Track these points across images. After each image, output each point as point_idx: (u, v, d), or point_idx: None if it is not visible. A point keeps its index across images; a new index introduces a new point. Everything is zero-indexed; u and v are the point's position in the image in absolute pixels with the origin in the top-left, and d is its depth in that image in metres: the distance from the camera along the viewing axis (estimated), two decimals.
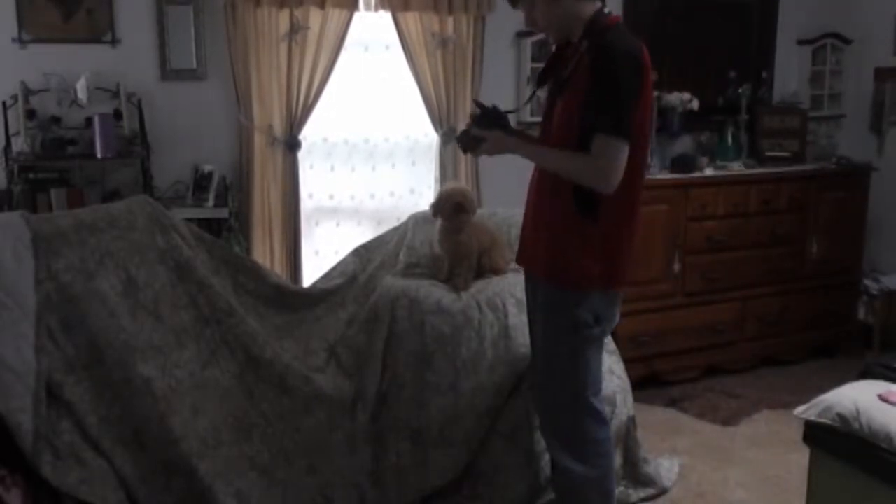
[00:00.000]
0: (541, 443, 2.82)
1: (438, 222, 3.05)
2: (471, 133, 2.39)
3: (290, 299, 2.97)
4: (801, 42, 4.83)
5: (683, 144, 4.53)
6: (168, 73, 3.64)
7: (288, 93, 3.72)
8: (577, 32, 2.26)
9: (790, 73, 4.84)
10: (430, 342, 2.85)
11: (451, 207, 2.94)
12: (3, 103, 3.32)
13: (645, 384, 3.93)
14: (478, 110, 2.42)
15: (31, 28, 3.42)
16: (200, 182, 3.61)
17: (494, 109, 2.40)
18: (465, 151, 2.49)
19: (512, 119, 4.22)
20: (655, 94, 4.25)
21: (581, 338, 2.34)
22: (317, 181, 3.98)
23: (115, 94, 3.46)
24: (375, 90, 4.02)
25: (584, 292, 2.28)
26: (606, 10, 2.28)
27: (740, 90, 4.53)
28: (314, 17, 3.70)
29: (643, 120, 2.18)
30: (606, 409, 2.96)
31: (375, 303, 2.99)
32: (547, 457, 2.81)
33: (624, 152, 2.12)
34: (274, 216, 3.80)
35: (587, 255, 2.25)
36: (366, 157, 4.06)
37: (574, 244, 2.26)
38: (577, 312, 2.29)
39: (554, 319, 2.36)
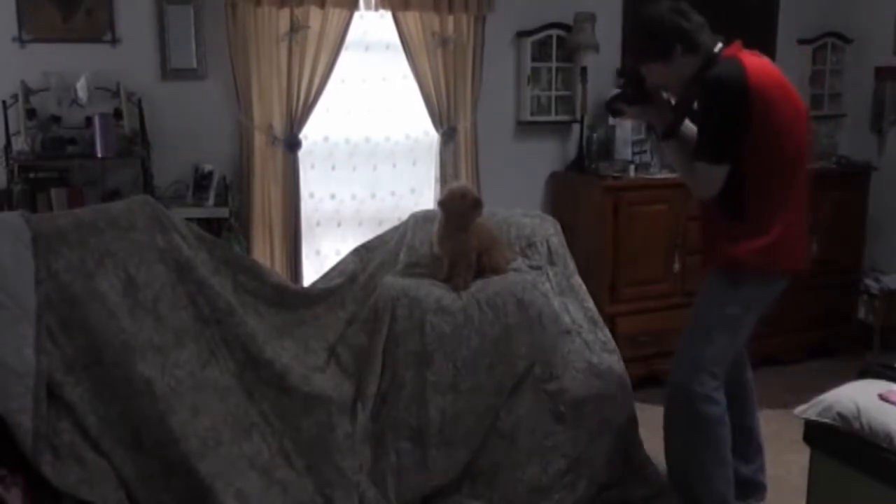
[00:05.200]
0: (541, 443, 2.83)
1: (438, 222, 3.04)
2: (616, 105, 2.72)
3: (290, 299, 2.97)
4: (801, 41, 4.83)
5: None
6: (168, 72, 3.64)
7: (288, 92, 3.72)
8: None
9: (790, 73, 4.77)
10: (430, 342, 2.85)
11: (471, 202, 2.93)
12: (3, 103, 3.32)
13: (645, 383, 3.92)
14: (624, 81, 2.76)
15: (31, 27, 3.42)
16: (200, 182, 3.61)
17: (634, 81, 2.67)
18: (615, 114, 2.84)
19: (512, 120, 4.25)
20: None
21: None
22: (318, 181, 3.98)
23: (115, 94, 3.46)
24: (376, 90, 4.01)
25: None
26: (719, 46, 2.52)
27: None
28: (314, 16, 3.70)
29: (763, 137, 2.40)
30: (606, 409, 2.98)
31: (375, 302, 2.99)
32: (548, 456, 2.82)
33: (712, 172, 2.47)
34: (274, 216, 3.80)
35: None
36: (367, 156, 4.06)
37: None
38: None
39: None
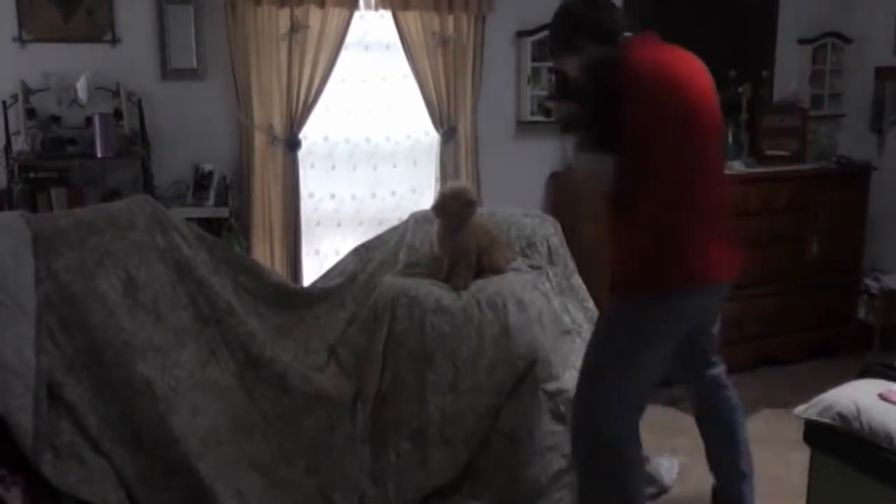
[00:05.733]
0: (541, 443, 2.82)
1: (437, 222, 3.04)
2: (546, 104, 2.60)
3: (290, 299, 2.98)
4: (801, 41, 4.82)
5: None
6: (168, 72, 3.63)
7: (288, 92, 3.72)
8: None
9: (790, 73, 4.83)
10: (430, 341, 2.85)
11: (462, 203, 2.93)
12: (3, 103, 3.32)
13: None
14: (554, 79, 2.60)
15: (31, 27, 3.42)
16: (200, 181, 3.61)
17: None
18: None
19: (512, 120, 4.25)
20: None
21: None
22: (318, 181, 3.98)
23: (116, 94, 3.46)
24: (376, 90, 4.01)
25: None
26: (627, 36, 2.37)
27: (740, 89, 4.52)
28: (314, 16, 3.69)
29: (647, 121, 2.16)
30: None
31: (375, 302, 2.99)
32: (548, 456, 2.82)
33: (593, 162, 2.28)
34: (274, 215, 3.80)
35: None
36: (367, 156, 4.05)
37: None
38: None
39: None
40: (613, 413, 2.31)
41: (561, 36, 2.42)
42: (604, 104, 2.18)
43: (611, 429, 2.31)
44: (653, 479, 3.05)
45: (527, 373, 2.88)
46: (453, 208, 2.95)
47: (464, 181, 3.85)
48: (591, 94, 2.24)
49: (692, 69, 2.32)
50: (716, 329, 2.72)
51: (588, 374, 2.37)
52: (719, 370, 2.74)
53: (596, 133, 2.22)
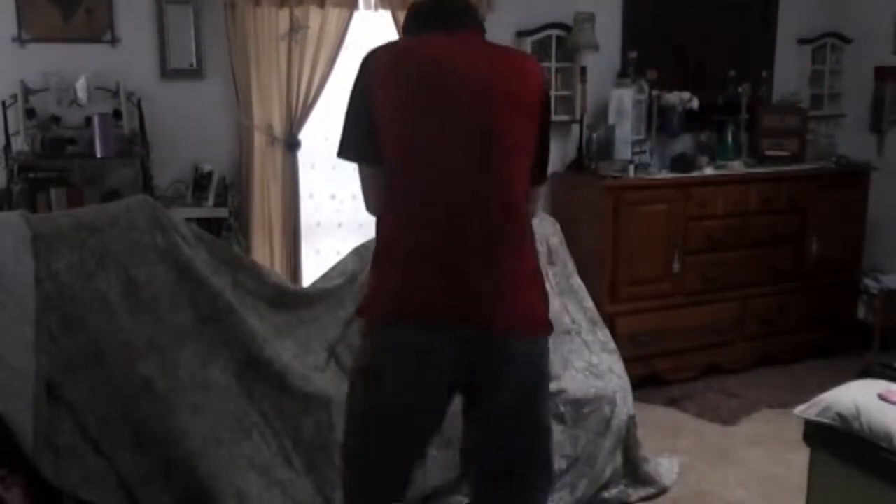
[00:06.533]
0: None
1: None
2: None
3: (289, 299, 2.97)
4: (801, 41, 4.83)
5: (683, 144, 4.52)
6: (168, 72, 3.63)
7: (288, 92, 3.72)
8: None
9: (790, 73, 4.84)
10: None
11: None
12: (3, 103, 3.32)
13: (645, 383, 3.92)
14: None
15: (30, 27, 3.42)
16: (200, 181, 3.61)
17: None
18: None
19: None
20: (655, 93, 4.27)
21: None
22: (318, 181, 3.98)
23: (115, 94, 3.46)
24: None
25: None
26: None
27: (740, 89, 4.53)
28: (314, 16, 3.70)
29: (385, 111, 1.82)
30: (606, 409, 2.97)
31: None
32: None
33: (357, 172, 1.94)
34: (274, 216, 3.80)
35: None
36: None
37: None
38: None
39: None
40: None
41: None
42: (352, 104, 1.90)
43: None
44: (652, 479, 3.05)
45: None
46: None
47: None
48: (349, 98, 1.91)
49: (458, 55, 1.82)
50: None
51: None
52: None
53: (341, 138, 1.95)
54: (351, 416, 1.96)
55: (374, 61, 1.84)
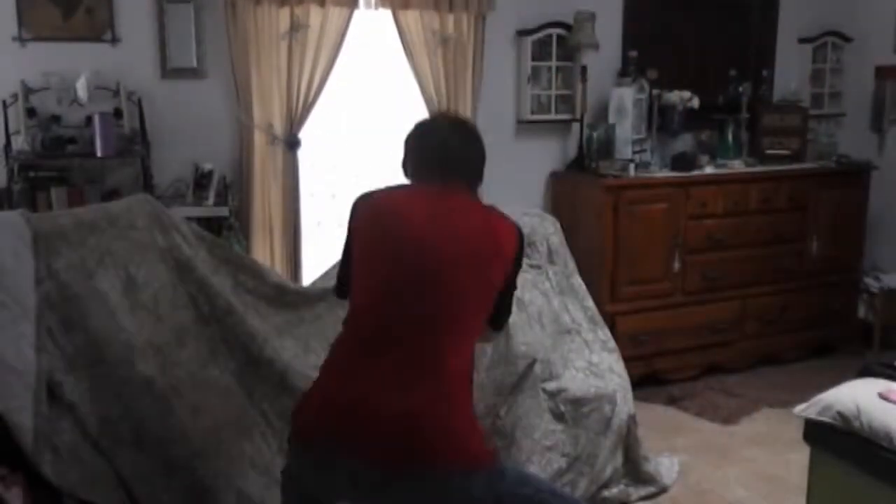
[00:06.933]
0: (541, 442, 2.83)
1: None
2: None
3: (290, 298, 2.97)
4: (801, 40, 4.83)
5: (684, 143, 4.52)
6: (168, 71, 3.63)
7: (288, 91, 3.72)
8: None
9: (791, 72, 4.83)
10: None
11: None
12: (3, 102, 3.32)
13: (645, 383, 3.93)
14: None
15: (31, 27, 3.42)
16: (200, 180, 3.61)
17: None
18: None
19: (512, 119, 4.24)
20: (655, 92, 4.27)
21: None
22: (318, 180, 3.98)
23: (115, 93, 3.46)
24: (376, 89, 4.01)
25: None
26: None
27: (741, 88, 4.53)
28: (314, 15, 3.69)
29: (359, 254, 1.98)
30: (606, 408, 2.96)
31: None
32: (548, 455, 2.82)
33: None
34: (274, 215, 3.80)
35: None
36: (367, 155, 4.05)
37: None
38: None
39: None
40: None
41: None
42: (344, 244, 2.07)
43: None
44: (653, 479, 3.05)
45: (527, 372, 2.88)
46: None
47: None
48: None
49: (429, 217, 1.90)
50: None
51: None
52: None
53: (340, 277, 2.12)
54: None
55: (358, 208, 2.00)
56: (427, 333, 1.84)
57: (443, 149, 1.99)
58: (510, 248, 1.94)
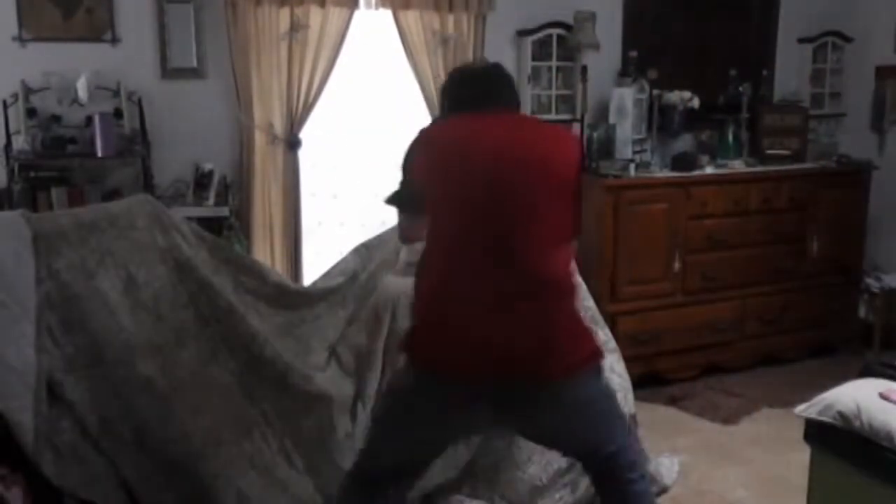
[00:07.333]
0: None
1: None
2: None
3: (290, 298, 2.97)
4: (801, 40, 4.82)
5: (684, 143, 4.52)
6: (168, 71, 3.63)
7: (288, 91, 3.72)
8: None
9: (791, 72, 4.83)
10: None
11: None
12: (4, 102, 3.33)
13: (645, 382, 3.92)
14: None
15: (31, 27, 3.42)
16: (201, 181, 3.61)
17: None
18: None
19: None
20: (656, 92, 4.27)
21: None
22: (319, 180, 3.98)
23: (116, 93, 3.46)
24: (376, 89, 4.01)
25: None
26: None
27: (741, 88, 4.52)
28: (314, 15, 3.70)
29: (432, 185, 2.06)
30: None
31: (376, 301, 2.99)
32: (548, 455, 2.81)
33: (401, 217, 2.25)
34: (275, 215, 3.80)
35: None
36: (368, 155, 4.05)
37: None
38: None
39: None
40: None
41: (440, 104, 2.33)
42: (402, 170, 2.17)
43: None
44: (653, 479, 3.04)
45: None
46: None
47: None
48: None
49: (491, 133, 2.03)
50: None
51: None
52: None
53: (402, 194, 2.19)
54: (389, 392, 2.22)
55: (417, 140, 2.12)
56: (519, 246, 1.98)
57: (486, 80, 2.18)
58: (576, 151, 2.13)
